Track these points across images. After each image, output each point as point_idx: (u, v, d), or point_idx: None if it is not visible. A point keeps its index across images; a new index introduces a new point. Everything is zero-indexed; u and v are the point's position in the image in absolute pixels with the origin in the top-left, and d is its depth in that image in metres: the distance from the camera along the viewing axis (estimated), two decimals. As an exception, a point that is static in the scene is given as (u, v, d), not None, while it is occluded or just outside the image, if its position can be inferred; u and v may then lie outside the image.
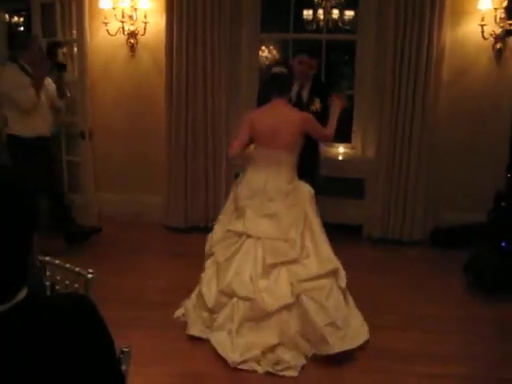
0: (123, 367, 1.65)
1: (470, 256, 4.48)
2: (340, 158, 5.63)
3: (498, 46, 5.12)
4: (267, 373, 3.18)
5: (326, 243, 3.61)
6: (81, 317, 1.20)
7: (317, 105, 4.51)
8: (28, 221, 1.11)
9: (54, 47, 4.77)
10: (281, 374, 3.15)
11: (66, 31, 5.57)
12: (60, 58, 4.84)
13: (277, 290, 3.36)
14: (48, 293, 2.30)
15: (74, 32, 5.45)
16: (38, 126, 4.75)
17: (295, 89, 4.43)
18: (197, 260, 4.03)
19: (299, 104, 4.36)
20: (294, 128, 3.61)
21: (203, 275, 3.67)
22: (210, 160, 5.58)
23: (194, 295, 3.73)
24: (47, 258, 2.37)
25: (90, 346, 1.18)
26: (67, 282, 2.32)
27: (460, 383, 3.17)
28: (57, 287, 2.36)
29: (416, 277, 4.65)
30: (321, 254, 3.52)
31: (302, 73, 4.45)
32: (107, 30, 5.46)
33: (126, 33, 5.48)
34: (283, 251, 3.45)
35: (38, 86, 4.62)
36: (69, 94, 4.96)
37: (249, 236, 3.51)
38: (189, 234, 5.53)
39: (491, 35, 5.09)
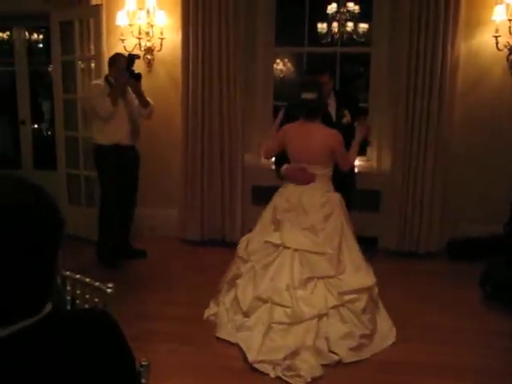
0: (143, 381, 1.69)
1: (486, 268, 4.47)
2: (356, 170, 5.64)
3: (513, 56, 5.14)
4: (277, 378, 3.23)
5: (359, 254, 3.73)
6: (102, 332, 1.24)
7: (347, 116, 4.30)
8: (55, 237, 1.16)
9: (131, 59, 4.91)
10: (288, 379, 3.20)
11: (84, 48, 5.68)
12: (135, 68, 5.00)
13: (313, 299, 3.46)
14: (68, 307, 2.35)
15: (92, 48, 5.56)
16: (116, 134, 4.94)
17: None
18: (213, 273, 4.08)
19: (328, 120, 4.14)
20: (323, 144, 3.71)
21: (239, 281, 3.76)
22: (226, 173, 5.64)
23: (227, 299, 3.81)
24: (67, 273, 2.42)
25: (111, 361, 1.22)
26: (87, 296, 2.38)
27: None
28: (77, 301, 2.42)
29: (431, 289, 4.65)
30: (357, 268, 3.64)
31: None
32: (124, 47, 5.57)
33: (142, 49, 5.59)
34: (320, 266, 3.55)
35: (114, 95, 4.84)
36: (151, 102, 5.11)
37: (286, 247, 3.61)
38: (205, 247, 5.58)
39: (505, 46, 5.11)
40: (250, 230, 4.06)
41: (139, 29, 5.52)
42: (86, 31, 5.58)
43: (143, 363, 1.72)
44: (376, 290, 3.68)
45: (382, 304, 3.78)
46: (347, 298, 3.50)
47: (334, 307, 3.45)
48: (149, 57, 5.64)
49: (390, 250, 5.47)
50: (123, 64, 4.90)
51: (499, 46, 5.11)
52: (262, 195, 5.41)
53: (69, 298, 2.40)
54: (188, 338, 3.75)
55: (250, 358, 3.33)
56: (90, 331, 1.22)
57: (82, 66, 5.78)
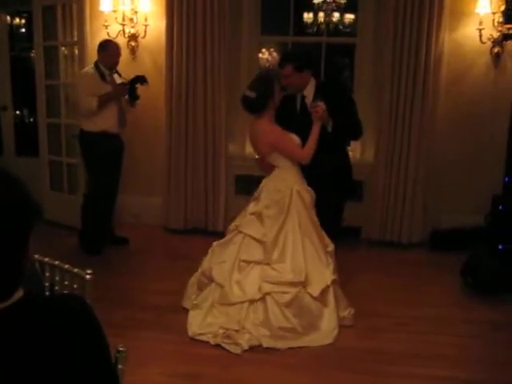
0: (119, 366, 1.68)
1: (468, 259, 4.51)
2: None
3: (496, 49, 5.16)
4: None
5: (302, 252, 3.68)
6: (75, 316, 1.23)
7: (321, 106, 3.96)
8: (24, 221, 1.14)
9: (137, 80, 4.95)
10: (226, 347, 3.44)
11: (67, 33, 5.61)
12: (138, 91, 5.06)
13: (246, 284, 3.63)
14: (47, 293, 2.34)
15: (75, 34, 5.49)
16: (104, 122, 4.93)
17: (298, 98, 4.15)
18: (196, 262, 4.07)
19: (291, 113, 4.05)
20: (263, 140, 3.80)
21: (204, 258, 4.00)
22: (209, 162, 5.61)
23: (196, 274, 4.02)
24: (46, 259, 2.41)
25: (84, 345, 1.21)
26: (66, 283, 2.36)
27: (455, 385, 3.20)
28: (56, 288, 2.40)
29: (413, 279, 4.68)
30: (295, 264, 3.65)
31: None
32: (108, 33, 5.49)
33: (126, 35, 5.52)
34: (256, 251, 3.68)
35: (105, 100, 4.86)
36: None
37: (239, 231, 3.79)
38: (188, 236, 5.57)
39: (489, 39, 5.13)
40: (233, 219, 4.05)
41: (123, 15, 5.45)
42: (68, 16, 5.51)
43: (120, 349, 1.72)
44: (316, 291, 3.62)
45: (333, 305, 3.70)
46: (276, 288, 3.58)
47: (265, 294, 3.57)
48: (133, 44, 5.58)
49: (373, 240, 5.50)
50: (114, 51, 4.92)
51: (483, 38, 5.13)
52: (246, 185, 5.43)
53: (47, 284, 2.39)
54: (168, 325, 3.74)
55: (190, 332, 3.60)
56: (63, 316, 1.21)
57: (65, 51, 5.71)
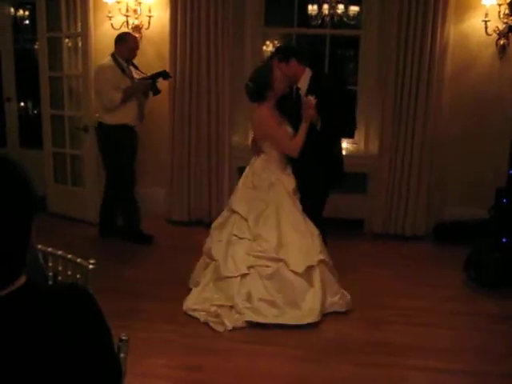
0: (122, 355, 1.69)
1: (471, 251, 4.50)
2: (343, 153, 5.63)
3: (502, 41, 5.14)
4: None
5: (286, 233, 3.81)
6: (76, 304, 1.23)
7: (311, 100, 3.95)
8: (26, 208, 1.14)
9: (163, 74, 5.03)
10: (212, 325, 3.62)
11: (71, 24, 5.59)
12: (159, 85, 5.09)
13: (237, 259, 3.79)
14: (50, 283, 2.34)
15: (79, 25, 5.47)
16: (125, 116, 4.98)
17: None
18: (199, 253, 4.08)
19: (285, 104, 4.05)
20: (256, 124, 4.02)
21: None
22: (213, 153, 5.61)
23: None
24: (49, 249, 2.41)
25: (85, 333, 1.20)
26: (69, 273, 2.36)
27: (458, 377, 3.19)
28: (59, 278, 2.40)
29: (417, 272, 4.68)
30: (278, 242, 3.78)
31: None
32: (111, 24, 5.49)
33: (130, 27, 5.51)
34: (246, 228, 3.86)
35: (128, 95, 4.91)
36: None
37: (234, 211, 3.96)
38: (192, 228, 5.56)
39: (495, 31, 5.10)
40: None
41: (127, 6, 5.45)
42: (72, 7, 5.49)
43: (123, 338, 1.72)
44: (300, 267, 3.71)
45: (320, 286, 3.74)
46: (259, 262, 3.74)
47: (249, 267, 3.74)
48: (136, 35, 5.56)
49: (376, 233, 5.50)
50: (133, 43, 4.96)
51: (488, 30, 5.10)
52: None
53: (51, 274, 2.39)
54: (171, 316, 3.75)
55: (184, 306, 3.80)
56: (64, 303, 1.21)
57: (69, 43, 5.70)
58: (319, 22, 6.76)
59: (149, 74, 5.05)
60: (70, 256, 2.40)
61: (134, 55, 5.05)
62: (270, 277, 3.72)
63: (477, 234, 4.82)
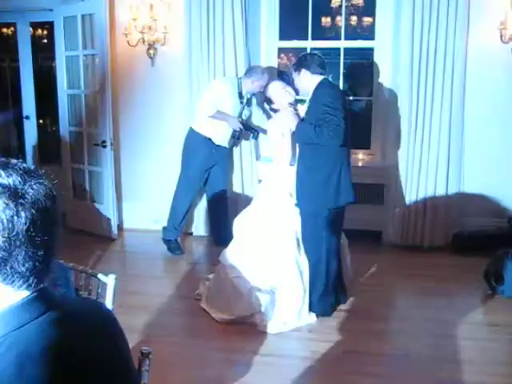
0: (144, 368, 1.71)
1: (491, 262, 4.47)
2: (359, 164, 5.67)
3: (517, 49, 5.12)
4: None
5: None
6: (96, 322, 1.26)
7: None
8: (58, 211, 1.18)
9: (251, 130, 5.10)
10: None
11: (87, 43, 5.70)
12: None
13: None
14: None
15: (96, 43, 5.57)
16: (213, 132, 5.10)
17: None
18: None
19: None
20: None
21: None
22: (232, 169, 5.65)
23: None
24: (71, 264, 2.46)
25: (104, 347, 1.23)
26: (90, 287, 2.41)
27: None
28: (80, 293, 2.45)
29: (436, 283, 4.65)
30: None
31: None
32: (127, 41, 5.59)
33: (146, 43, 5.60)
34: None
35: (219, 119, 5.01)
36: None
37: None
38: (212, 242, 5.57)
39: (510, 39, 5.09)
40: None
41: (142, 23, 5.53)
42: (88, 26, 5.60)
43: (144, 351, 1.74)
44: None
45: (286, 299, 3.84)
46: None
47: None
48: (152, 51, 5.65)
49: (394, 244, 5.48)
50: (264, 83, 4.82)
51: (504, 38, 5.09)
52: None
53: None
54: (190, 331, 3.78)
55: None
56: (86, 320, 1.24)
57: (86, 61, 5.80)
58: (333, 33, 6.82)
59: (250, 125, 5.17)
60: (90, 271, 2.46)
61: (257, 92, 5.04)
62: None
63: (496, 245, 4.79)
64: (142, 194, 5.99)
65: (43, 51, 7.50)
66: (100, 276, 2.35)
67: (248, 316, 3.82)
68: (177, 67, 5.68)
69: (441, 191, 5.33)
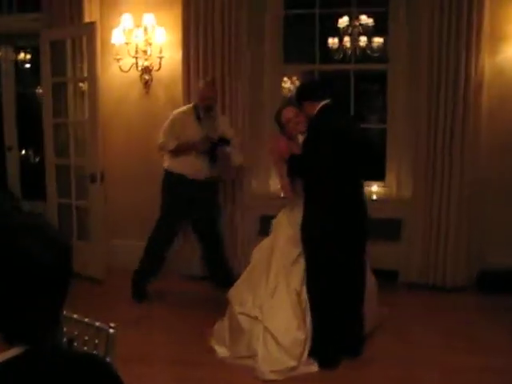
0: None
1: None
2: (374, 197, 5.71)
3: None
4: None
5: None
6: (91, 376, 1.29)
7: None
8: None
9: (225, 141, 5.08)
10: None
11: (77, 68, 5.80)
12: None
13: None
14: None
15: (85, 69, 5.67)
16: (182, 166, 5.09)
17: None
18: (215, 312, 4.13)
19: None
20: None
21: None
22: (228, 202, 5.71)
23: None
24: (64, 313, 2.46)
25: None
26: (86, 338, 2.41)
27: None
28: (74, 344, 2.44)
29: (458, 325, 4.65)
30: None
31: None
32: (119, 67, 5.69)
33: (139, 68, 5.70)
34: None
35: (183, 150, 5.03)
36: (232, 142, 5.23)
37: None
38: (207, 283, 5.56)
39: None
40: None
41: (136, 47, 5.64)
42: (78, 50, 5.71)
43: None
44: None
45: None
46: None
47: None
48: (146, 77, 5.75)
49: (413, 284, 5.49)
50: (208, 95, 5.01)
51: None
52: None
53: (65, 339, 2.43)
54: (184, 380, 3.78)
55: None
56: (76, 376, 1.27)
57: (75, 88, 5.89)
58: (341, 55, 6.93)
59: (221, 137, 5.11)
60: (86, 320, 2.45)
61: (206, 102, 5.05)
62: None
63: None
64: (131, 231, 6.02)
65: (26, 77, 7.61)
66: (98, 325, 2.35)
67: (246, 357, 3.93)
68: (173, 94, 5.77)
69: (462, 226, 5.36)
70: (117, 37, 5.64)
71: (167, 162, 5.18)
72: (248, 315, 4.03)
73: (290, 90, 8.22)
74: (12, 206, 1.57)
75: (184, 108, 5.19)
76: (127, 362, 3.76)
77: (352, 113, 5.85)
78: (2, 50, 6.84)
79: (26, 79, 7.66)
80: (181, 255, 5.77)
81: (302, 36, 6.48)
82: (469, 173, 5.31)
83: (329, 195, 3.92)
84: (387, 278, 5.48)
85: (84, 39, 5.61)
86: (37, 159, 7.71)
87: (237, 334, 4.05)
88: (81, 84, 5.93)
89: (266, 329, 3.90)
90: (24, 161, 7.56)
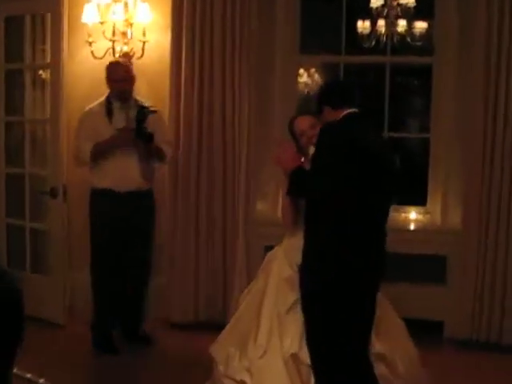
0: None
1: None
2: (411, 227, 5.70)
3: None
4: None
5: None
6: None
7: None
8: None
9: (143, 113, 5.06)
10: None
11: (37, 52, 5.81)
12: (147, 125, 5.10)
13: None
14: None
15: (48, 54, 5.69)
16: (112, 178, 5.09)
17: None
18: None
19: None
20: None
21: None
22: (228, 231, 5.71)
23: None
24: (14, 370, 2.46)
25: None
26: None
27: None
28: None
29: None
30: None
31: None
32: (92, 52, 5.70)
33: (117, 55, 5.70)
34: None
35: (103, 150, 5.03)
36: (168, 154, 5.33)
37: None
38: (200, 333, 5.54)
39: None
40: None
41: (113, 28, 5.66)
42: (40, 30, 5.72)
43: None
44: None
45: None
46: None
47: None
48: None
49: (461, 340, 5.48)
50: (114, 73, 5.07)
51: None
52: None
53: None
54: None
55: None
56: None
57: (34, 77, 5.90)
58: (373, 44, 6.93)
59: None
60: (15, 370, 2.44)
61: (123, 90, 5.11)
62: None
63: None
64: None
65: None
66: (29, 377, 2.36)
67: None
68: (158, 88, 5.79)
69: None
70: (89, 14, 5.64)
71: (91, 178, 5.20)
72: (234, 379, 3.98)
73: (306, 84, 8.24)
74: None
75: (94, 104, 5.19)
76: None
77: (386, 117, 5.84)
78: None
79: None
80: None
81: (324, 18, 6.49)
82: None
83: (347, 228, 3.72)
84: (428, 331, 5.46)
85: (48, 16, 5.62)
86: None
87: None
88: (41, 72, 5.95)
89: None
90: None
